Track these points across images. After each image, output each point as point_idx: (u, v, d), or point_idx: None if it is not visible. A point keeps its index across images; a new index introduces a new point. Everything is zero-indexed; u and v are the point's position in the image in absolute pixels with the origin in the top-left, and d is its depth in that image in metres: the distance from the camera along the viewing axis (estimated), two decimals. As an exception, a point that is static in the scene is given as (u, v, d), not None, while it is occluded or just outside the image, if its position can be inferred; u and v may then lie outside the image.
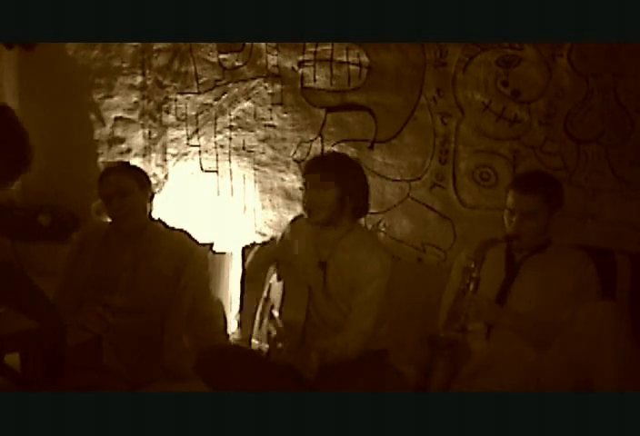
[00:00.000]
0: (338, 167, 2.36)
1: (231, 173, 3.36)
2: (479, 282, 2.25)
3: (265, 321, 2.44)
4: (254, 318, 2.58)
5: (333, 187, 2.31)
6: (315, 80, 3.15)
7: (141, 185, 2.67)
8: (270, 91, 3.24)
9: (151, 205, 2.72)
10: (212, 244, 2.99)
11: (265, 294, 2.54)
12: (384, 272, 2.32)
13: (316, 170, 2.35)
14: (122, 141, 3.58)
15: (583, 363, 2.10)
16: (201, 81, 3.38)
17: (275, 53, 3.20)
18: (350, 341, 2.27)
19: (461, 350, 2.22)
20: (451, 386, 2.24)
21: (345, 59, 3.08)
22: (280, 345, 2.25)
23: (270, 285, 2.53)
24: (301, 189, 2.43)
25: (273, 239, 2.64)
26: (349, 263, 2.34)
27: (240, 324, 2.99)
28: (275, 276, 2.49)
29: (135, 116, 3.54)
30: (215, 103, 3.36)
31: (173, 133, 3.47)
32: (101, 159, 3.61)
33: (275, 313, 2.36)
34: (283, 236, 2.56)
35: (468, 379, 2.27)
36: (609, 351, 2.05)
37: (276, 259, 2.51)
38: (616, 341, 2.06)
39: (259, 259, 2.59)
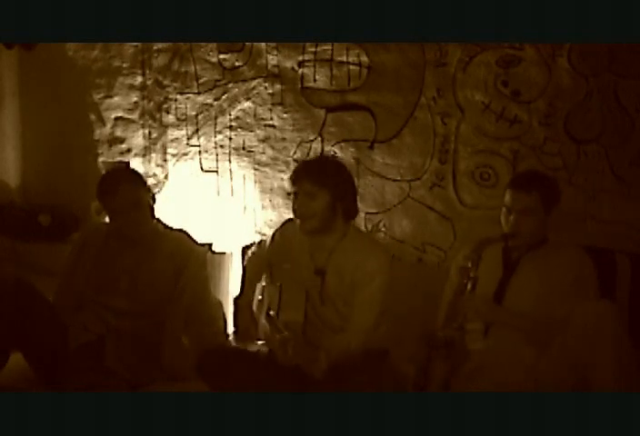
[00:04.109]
0: (324, 174, 2.31)
1: (231, 173, 3.36)
2: (477, 281, 2.25)
3: (262, 321, 2.44)
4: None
5: (322, 195, 2.28)
6: (315, 80, 3.15)
7: (149, 192, 2.63)
8: (270, 91, 3.24)
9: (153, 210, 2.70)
10: (211, 245, 2.98)
11: (259, 296, 2.54)
12: (383, 271, 2.31)
13: (303, 178, 2.30)
14: (122, 141, 3.58)
15: (581, 363, 2.10)
16: (201, 81, 3.38)
17: (275, 53, 3.20)
18: (352, 339, 2.28)
19: (459, 349, 2.22)
20: (450, 386, 2.24)
21: (344, 59, 3.08)
22: (288, 350, 2.23)
23: (264, 287, 2.53)
24: (289, 194, 2.41)
25: (261, 243, 2.63)
26: (348, 266, 2.33)
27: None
28: (269, 279, 2.49)
29: (135, 116, 3.54)
30: (215, 103, 3.36)
31: (173, 133, 3.47)
32: (101, 159, 3.60)
33: (272, 313, 2.36)
34: (273, 239, 2.53)
35: (467, 378, 2.27)
36: (607, 350, 2.05)
37: (270, 262, 2.51)
38: (615, 340, 2.06)
39: (254, 266, 2.59)
